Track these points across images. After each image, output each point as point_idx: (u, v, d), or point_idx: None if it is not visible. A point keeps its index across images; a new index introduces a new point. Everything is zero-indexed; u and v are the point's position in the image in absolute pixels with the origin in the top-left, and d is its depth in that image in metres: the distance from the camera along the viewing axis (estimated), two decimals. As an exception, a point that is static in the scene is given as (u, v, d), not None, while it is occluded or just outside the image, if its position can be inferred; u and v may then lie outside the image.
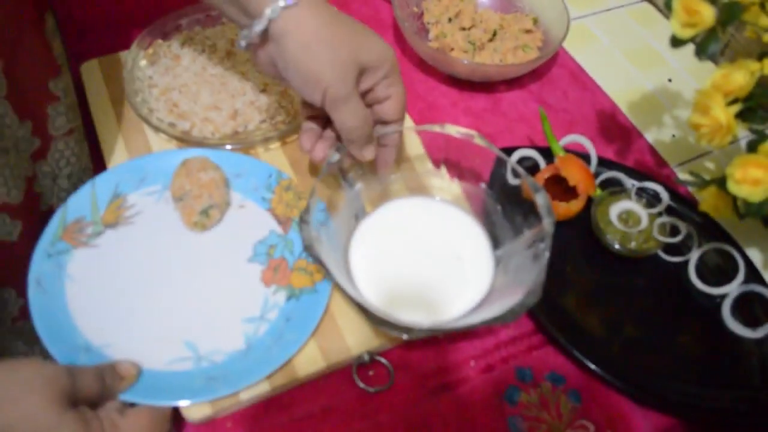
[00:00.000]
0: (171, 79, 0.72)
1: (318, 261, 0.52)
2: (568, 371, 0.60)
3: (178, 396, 0.52)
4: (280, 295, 0.59)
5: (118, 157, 0.68)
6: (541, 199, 0.56)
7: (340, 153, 0.59)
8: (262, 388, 0.54)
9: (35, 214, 0.61)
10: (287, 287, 0.59)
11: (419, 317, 0.58)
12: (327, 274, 0.52)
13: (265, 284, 0.60)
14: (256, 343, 0.56)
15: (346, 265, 0.60)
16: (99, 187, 0.62)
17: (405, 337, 0.56)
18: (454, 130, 0.62)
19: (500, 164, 0.61)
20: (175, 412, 0.53)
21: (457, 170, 0.64)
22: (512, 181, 0.61)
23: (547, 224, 0.54)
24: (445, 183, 0.65)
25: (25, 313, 0.61)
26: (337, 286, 0.53)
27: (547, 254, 0.53)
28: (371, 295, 0.58)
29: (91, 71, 0.74)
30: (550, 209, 0.55)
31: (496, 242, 0.62)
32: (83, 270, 0.58)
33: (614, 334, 0.63)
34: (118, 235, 0.61)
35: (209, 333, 0.56)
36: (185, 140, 0.67)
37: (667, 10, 0.58)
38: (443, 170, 0.65)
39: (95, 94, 0.72)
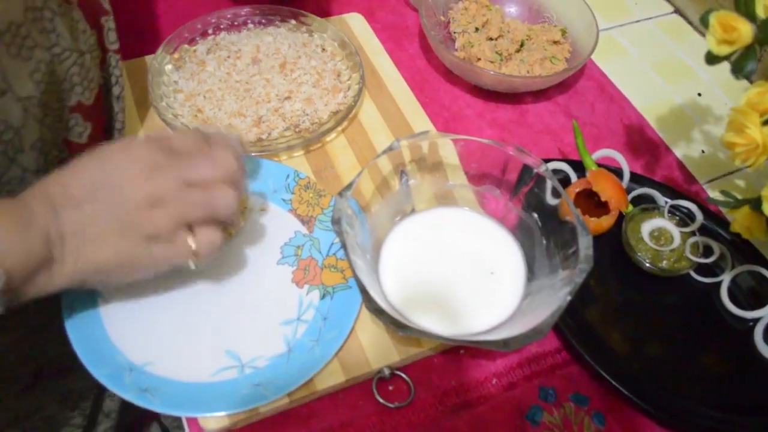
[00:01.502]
0: (196, 85, 0.71)
1: (341, 238, 0.52)
2: (592, 392, 0.58)
3: (228, 406, 0.51)
4: (313, 295, 0.59)
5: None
6: (583, 244, 0.54)
7: (400, 144, 0.59)
8: (281, 400, 0.53)
9: (101, 121, 0.61)
10: (320, 286, 0.59)
11: (438, 326, 0.56)
12: (348, 259, 0.52)
13: (297, 285, 0.59)
14: (296, 346, 0.55)
15: (376, 262, 0.60)
16: None
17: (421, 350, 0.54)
18: (489, 141, 0.61)
19: (540, 182, 0.60)
20: (192, 423, 0.53)
21: (495, 183, 0.63)
22: (550, 200, 0.59)
23: (581, 271, 0.53)
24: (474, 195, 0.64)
25: None
26: (354, 276, 0.52)
27: (568, 299, 0.52)
28: (394, 296, 0.57)
29: (116, 75, 0.74)
30: (589, 257, 0.54)
31: (531, 272, 0.61)
32: (115, 288, 0.57)
33: (641, 355, 0.61)
34: None
35: (249, 340, 0.56)
36: (208, 146, 0.66)
37: (702, 26, 0.57)
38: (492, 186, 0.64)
39: (119, 97, 0.72)
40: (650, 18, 0.97)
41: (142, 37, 0.81)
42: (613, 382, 0.57)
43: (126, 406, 0.73)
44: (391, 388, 0.57)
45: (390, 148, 0.60)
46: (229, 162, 0.50)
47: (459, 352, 0.59)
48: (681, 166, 0.78)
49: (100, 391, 0.70)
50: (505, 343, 0.51)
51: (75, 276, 0.46)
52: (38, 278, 0.44)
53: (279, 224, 0.63)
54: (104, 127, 0.62)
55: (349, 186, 0.56)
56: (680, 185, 0.76)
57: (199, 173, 0.49)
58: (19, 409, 0.63)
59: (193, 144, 0.51)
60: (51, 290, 0.45)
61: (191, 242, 0.49)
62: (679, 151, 0.80)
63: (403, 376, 0.57)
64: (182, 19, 0.77)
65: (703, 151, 0.81)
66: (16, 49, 0.47)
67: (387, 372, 0.56)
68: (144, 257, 0.48)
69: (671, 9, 0.99)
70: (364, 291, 0.51)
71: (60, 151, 0.56)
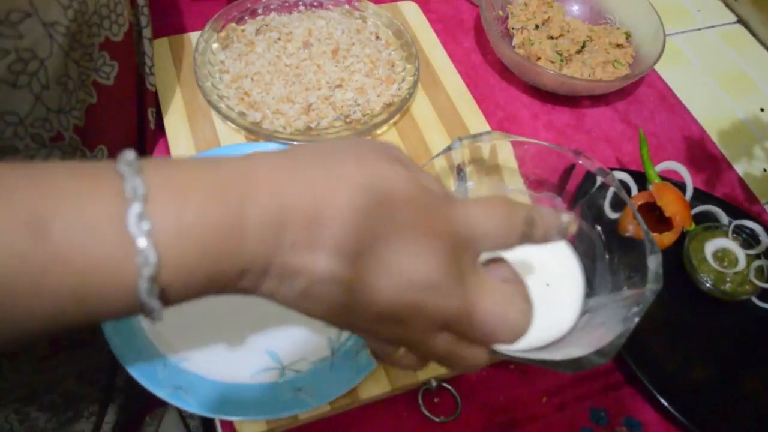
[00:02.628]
0: (243, 66, 0.68)
1: None
2: (646, 418, 0.56)
3: (267, 411, 0.48)
4: None
5: (182, 142, 0.64)
6: (653, 263, 0.51)
7: (461, 143, 0.55)
8: (321, 408, 0.50)
9: (129, 61, 0.58)
10: None
11: None
12: None
13: None
14: (341, 350, 0.52)
15: None
16: None
17: None
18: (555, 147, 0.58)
19: (603, 193, 0.56)
20: (225, 425, 0.50)
21: (555, 190, 0.60)
22: (610, 213, 0.56)
23: (650, 292, 0.49)
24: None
25: None
26: None
27: (636, 320, 0.48)
28: None
29: (161, 50, 0.71)
30: (659, 276, 0.50)
31: (591, 287, 0.57)
32: None
33: (697, 381, 0.58)
34: None
35: (291, 341, 0.53)
36: (255, 132, 0.63)
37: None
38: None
39: (164, 73, 0.69)
40: (712, 26, 0.93)
41: (188, 12, 0.78)
42: (669, 407, 0.54)
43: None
44: (436, 400, 0.54)
45: (450, 148, 0.56)
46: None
47: (509, 367, 0.56)
48: (742, 183, 0.74)
49: (115, 365, 0.67)
50: (566, 364, 0.47)
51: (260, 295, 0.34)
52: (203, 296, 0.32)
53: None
54: (132, 68, 0.59)
55: None
56: (741, 204, 0.72)
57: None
58: (37, 383, 0.60)
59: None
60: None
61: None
62: (740, 168, 0.76)
63: (450, 388, 0.54)
64: (231, -4, 0.74)
65: (765, 170, 0.77)
66: None
67: (434, 384, 0.53)
68: (354, 328, 0.35)
69: (734, 18, 0.95)
70: None
71: (87, 94, 0.53)
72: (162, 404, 0.83)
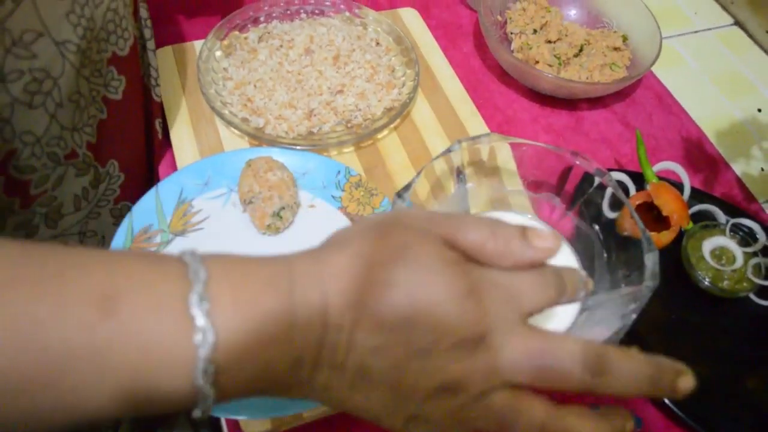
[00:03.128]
0: (246, 73, 0.69)
1: None
2: (646, 413, 0.56)
3: (272, 409, 0.49)
4: None
5: (186, 148, 0.66)
6: (650, 261, 0.52)
7: (461, 146, 0.57)
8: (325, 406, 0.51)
9: (136, 75, 0.59)
10: None
11: None
12: None
13: None
14: None
15: None
16: (163, 194, 0.60)
17: None
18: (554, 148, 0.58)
19: (601, 192, 0.57)
20: (231, 425, 0.51)
21: (553, 191, 0.61)
22: (608, 212, 0.57)
23: (647, 289, 0.50)
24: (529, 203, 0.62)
25: (124, 194, 0.60)
26: None
27: (633, 317, 0.49)
28: None
29: (165, 59, 0.72)
30: (656, 274, 0.51)
31: None
32: None
33: (698, 377, 0.58)
34: (188, 242, 0.58)
35: None
36: (258, 137, 0.65)
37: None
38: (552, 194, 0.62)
39: (168, 82, 0.70)
40: (710, 29, 0.94)
41: (192, 21, 0.79)
42: (668, 403, 0.55)
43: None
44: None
45: (449, 150, 0.57)
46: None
47: (509, 365, 0.57)
48: (740, 183, 0.75)
49: None
50: None
51: (305, 398, 0.34)
52: (256, 394, 0.32)
53: (328, 222, 0.61)
54: (139, 81, 0.60)
55: (408, 187, 0.54)
56: (739, 203, 0.73)
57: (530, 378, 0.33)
58: None
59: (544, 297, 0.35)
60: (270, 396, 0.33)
61: None
62: (738, 168, 0.77)
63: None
64: (233, 5, 0.76)
65: (762, 169, 0.78)
66: None
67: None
68: (394, 429, 0.34)
69: (731, 20, 0.96)
70: None
71: (98, 110, 0.54)
72: (173, 414, 0.84)
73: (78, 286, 0.27)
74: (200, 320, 0.28)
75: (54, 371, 0.26)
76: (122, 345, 0.27)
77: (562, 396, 0.55)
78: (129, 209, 0.58)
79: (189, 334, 0.28)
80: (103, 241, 0.60)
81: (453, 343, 0.31)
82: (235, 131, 0.66)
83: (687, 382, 0.37)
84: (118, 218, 0.61)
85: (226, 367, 0.29)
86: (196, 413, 0.30)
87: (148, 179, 0.68)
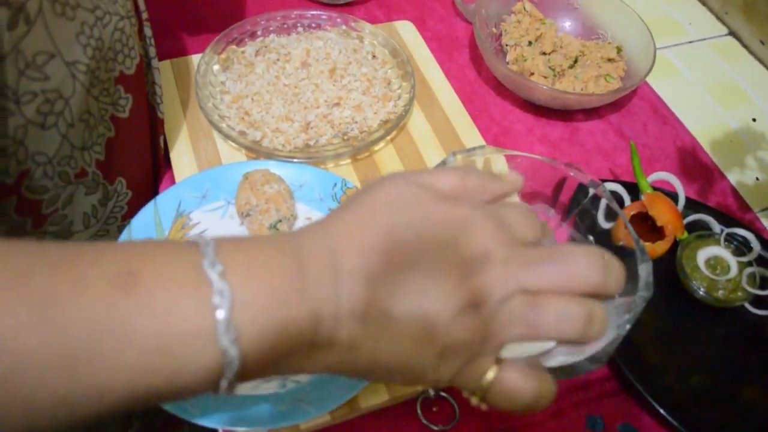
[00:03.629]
0: (244, 87, 0.70)
1: None
2: (642, 424, 0.56)
3: (267, 421, 0.49)
4: None
5: (185, 161, 0.66)
6: (644, 271, 0.52)
7: (455, 158, 0.57)
8: (322, 417, 0.51)
9: (142, 93, 0.60)
10: None
11: None
12: None
13: None
14: None
15: None
16: (161, 206, 0.60)
17: None
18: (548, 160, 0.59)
19: (595, 204, 0.58)
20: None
21: (548, 202, 0.61)
22: (603, 223, 0.57)
23: (640, 299, 0.51)
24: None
25: (132, 211, 0.60)
26: None
27: (628, 327, 0.49)
28: None
29: (163, 73, 0.73)
30: (650, 284, 0.51)
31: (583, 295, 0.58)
32: None
33: (693, 386, 0.59)
34: None
35: None
36: (255, 150, 0.65)
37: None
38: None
39: (166, 96, 0.71)
40: (704, 39, 0.95)
41: (190, 35, 0.80)
42: (664, 413, 0.55)
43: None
44: (435, 409, 0.55)
45: (444, 162, 0.58)
46: (591, 273, 0.37)
47: (506, 376, 0.57)
48: (735, 192, 0.76)
49: None
50: (560, 371, 0.48)
51: (332, 370, 0.33)
52: (281, 361, 0.31)
53: (325, 233, 0.61)
54: (144, 99, 0.61)
55: None
56: (734, 212, 0.74)
57: (547, 281, 0.35)
58: None
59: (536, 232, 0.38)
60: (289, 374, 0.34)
61: (491, 374, 0.36)
62: (732, 177, 0.77)
63: (448, 397, 0.55)
64: (230, 19, 0.76)
65: (757, 179, 0.78)
66: (60, 7, 0.45)
67: (432, 393, 0.54)
68: (426, 373, 0.34)
69: (726, 31, 0.97)
70: None
71: (106, 129, 0.55)
72: (177, 427, 0.84)
73: (96, 267, 0.28)
74: (216, 282, 0.28)
75: (78, 350, 0.26)
76: (144, 318, 0.27)
77: (557, 406, 0.56)
78: None
79: (207, 298, 0.28)
80: None
81: (465, 259, 0.33)
82: (233, 144, 0.67)
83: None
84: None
85: (247, 326, 0.29)
86: (223, 384, 0.29)
87: (155, 195, 0.68)
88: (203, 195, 0.62)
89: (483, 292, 0.33)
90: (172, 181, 0.65)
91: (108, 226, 0.59)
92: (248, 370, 0.30)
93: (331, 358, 0.32)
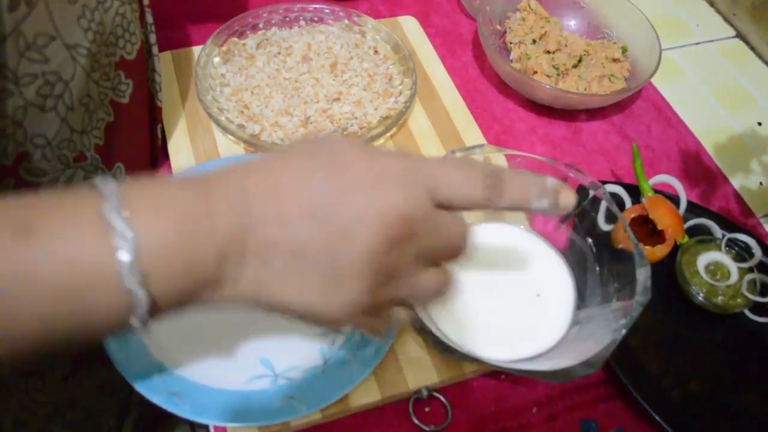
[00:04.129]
0: (244, 80, 0.69)
1: None
2: (637, 430, 0.56)
3: (259, 417, 0.49)
4: None
5: (182, 153, 0.66)
6: (642, 276, 0.52)
7: (455, 155, 0.57)
8: (313, 415, 0.51)
9: (142, 79, 0.60)
10: None
11: (480, 349, 0.54)
12: None
13: None
14: (333, 359, 0.53)
15: None
16: None
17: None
18: (546, 159, 0.58)
19: (595, 205, 0.57)
20: None
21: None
22: (603, 225, 0.56)
23: (637, 304, 0.50)
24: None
25: None
26: None
27: (623, 332, 0.49)
28: (436, 313, 0.55)
29: (164, 63, 0.72)
30: (647, 288, 0.51)
31: (581, 299, 0.58)
32: None
33: (689, 393, 0.58)
34: None
35: (284, 349, 0.54)
36: (253, 144, 0.65)
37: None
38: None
39: (166, 86, 0.70)
40: (711, 41, 0.94)
41: (190, 27, 0.79)
42: (659, 420, 0.54)
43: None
44: (427, 410, 0.54)
45: None
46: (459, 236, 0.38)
47: (500, 377, 0.57)
48: (738, 197, 0.75)
49: None
50: (554, 375, 0.48)
51: (236, 301, 0.35)
52: (189, 298, 0.33)
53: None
54: (144, 85, 0.61)
55: None
56: (736, 218, 0.73)
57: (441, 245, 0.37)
58: (59, 400, 0.62)
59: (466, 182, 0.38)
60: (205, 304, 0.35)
61: (395, 318, 0.40)
62: (736, 182, 0.76)
63: (441, 398, 0.55)
64: (232, 12, 0.76)
65: (761, 183, 0.77)
66: None
67: (425, 393, 0.54)
68: (332, 316, 0.36)
69: (733, 33, 0.95)
70: (410, 309, 0.49)
71: (106, 113, 0.54)
72: (174, 417, 0.84)
73: None
74: (118, 224, 0.29)
75: None
76: (50, 264, 0.28)
77: (551, 409, 0.55)
78: None
79: (110, 242, 0.29)
80: None
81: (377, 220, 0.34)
82: (231, 138, 0.66)
83: (568, 197, 0.40)
84: None
85: (152, 266, 0.30)
86: (135, 322, 0.31)
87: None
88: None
89: (407, 217, 0.35)
90: (168, 173, 0.64)
91: None
92: (159, 308, 0.31)
93: (236, 294, 0.34)
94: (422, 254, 0.37)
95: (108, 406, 0.66)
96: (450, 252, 0.39)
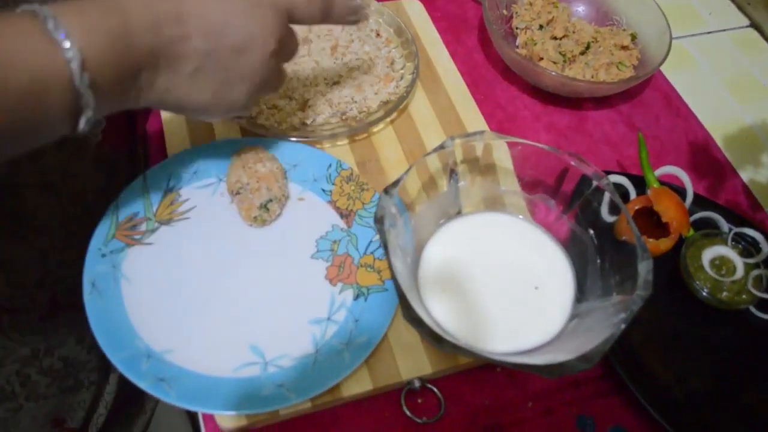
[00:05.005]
0: (242, 61, 0.68)
1: (382, 238, 0.49)
2: (635, 428, 0.54)
3: (248, 405, 0.48)
4: (347, 294, 0.55)
5: (177, 135, 0.64)
6: (643, 269, 0.50)
7: (453, 143, 0.55)
8: (303, 404, 0.50)
9: None
10: (354, 286, 0.56)
11: (476, 341, 0.52)
12: (388, 261, 0.48)
13: (330, 282, 0.56)
14: (324, 347, 0.52)
15: (416, 265, 0.56)
16: (151, 182, 0.58)
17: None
18: (549, 148, 0.57)
19: (598, 196, 0.55)
20: (208, 419, 0.50)
21: (549, 192, 0.59)
22: (607, 217, 0.55)
23: (638, 298, 0.49)
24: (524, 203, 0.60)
25: (107, 139, 0.61)
26: (393, 281, 0.48)
27: (623, 326, 0.47)
28: (432, 302, 0.53)
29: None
30: (649, 282, 0.49)
31: (581, 292, 0.56)
32: (139, 270, 0.54)
33: (690, 390, 0.57)
34: (173, 231, 0.57)
35: (275, 336, 0.52)
36: (249, 126, 0.63)
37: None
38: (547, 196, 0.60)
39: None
40: (724, 30, 0.92)
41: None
42: (658, 418, 0.53)
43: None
44: (420, 401, 0.53)
45: (442, 147, 0.56)
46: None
47: (496, 370, 0.56)
48: (747, 190, 0.73)
49: None
50: (550, 369, 0.47)
51: (150, 104, 0.45)
52: (119, 102, 0.42)
53: (316, 216, 0.59)
54: None
55: (396, 183, 0.52)
56: (744, 211, 0.71)
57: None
58: (37, 342, 0.61)
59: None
60: (124, 108, 0.44)
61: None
62: (745, 175, 0.75)
63: (434, 389, 0.53)
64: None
65: (771, 177, 0.75)
66: None
67: (417, 384, 0.53)
68: (219, 112, 0.49)
69: (747, 22, 0.93)
70: (403, 298, 0.47)
71: None
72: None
73: None
74: (65, 42, 0.36)
75: None
76: (8, 73, 0.34)
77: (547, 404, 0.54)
78: (110, 156, 0.56)
79: (56, 48, 0.36)
80: (84, 186, 0.59)
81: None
82: (227, 120, 0.65)
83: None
84: (99, 162, 0.60)
85: (95, 74, 0.38)
86: (82, 122, 0.39)
87: (128, 127, 0.68)
88: (194, 171, 0.60)
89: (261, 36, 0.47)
90: (162, 154, 0.63)
91: (82, 152, 0.59)
92: (101, 107, 0.39)
93: (153, 98, 0.44)
94: (281, 61, 0.51)
95: (88, 358, 0.65)
96: (290, 57, 0.53)
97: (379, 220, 0.50)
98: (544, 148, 0.57)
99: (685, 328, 0.60)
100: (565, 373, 0.47)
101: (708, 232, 0.62)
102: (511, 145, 0.58)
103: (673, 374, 0.57)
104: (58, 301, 0.61)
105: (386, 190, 0.52)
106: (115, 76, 0.40)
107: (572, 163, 0.56)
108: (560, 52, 0.75)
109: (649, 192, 0.63)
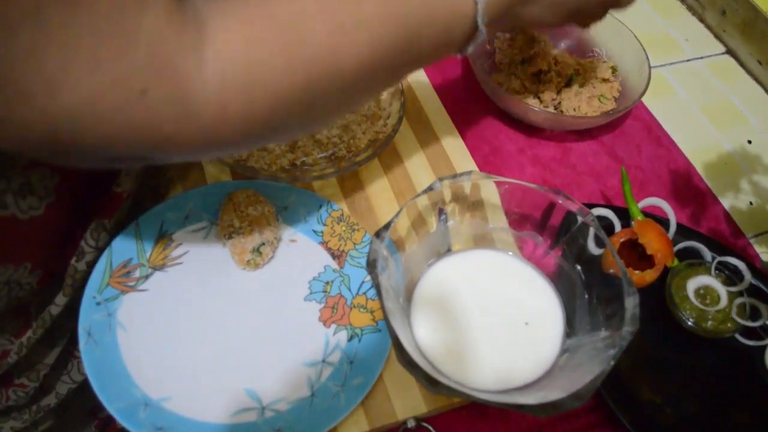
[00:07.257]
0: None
1: (375, 282, 0.49)
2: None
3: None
4: (341, 336, 0.56)
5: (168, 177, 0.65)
6: (630, 305, 0.51)
7: (441, 184, 0.56)
8: (300, 448, 0.50)
9: None
10: (348, 327, 0.56)
11: (468, 378, 0.53)
12: (381, 304, 0.49)
13: (324, 324, 0.56)
14: (320, 390, 0.53)
15: (408, 304, 0.56)
16: (143, 227, 0.59)
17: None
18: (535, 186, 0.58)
19: (583, 231, 0.57)
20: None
21: (536, 229, 0.60)
22: (593, 249, 0.56)
23: (627, 333, 0.50)
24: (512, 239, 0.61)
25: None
26: (387, 323, 0.48)
27: (612, 363, 0.48)
28: (425, 341, 0.54)
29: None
30: (636, 317, 0.50)
31: (570, 326, 0.57)
32: (134, 317, 0.55)
33: (680, 419, 0.57)
34: (167, 277, 0.57)
35: (270, 380, 0.53)
36: (239, 169, 0.64)
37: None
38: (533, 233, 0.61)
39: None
40: (701, 58, 0.94)
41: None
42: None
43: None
44: (415, 440, 0.54)
45: (431, 188, 0.57)
46: None
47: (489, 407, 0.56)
48: (728, 217, 0.75)
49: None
50: (543, 408, 0.47)
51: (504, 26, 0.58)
52: (494, 26, 0.51)
53: (308, 257, 0.60)
54: None
55: (387, 226, 0.53)
56: (726, 238, 0.73)
57: None
58: None
59: None
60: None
61: None
62: (726, 202, 0.76)
63: (429, 428, 0.54)
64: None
65: (751, 203, 0.77)
66: None
67: (413, 423, 0.53)
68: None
69: (723, 49, 0.96)
70: (396, 342, 0.48)
71: None
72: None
73: None
74: None
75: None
76: (435, 9, 0.45)
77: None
78: None
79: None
80: None
81: None
82: (218, 163, 0.66)
83: None
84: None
85: (490, 12, 0.47)
86: (470, 49, 0.50)
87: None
88: (186, 215, 0.61)
89: None
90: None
91: None
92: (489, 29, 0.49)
93: (529, 15, 0.54)
94: None
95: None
96: None
97: (371, 264, 0.51)
98: (530, 186, 0.58)
99: (673, 357, 0.62)
100: (558, 411, 0.48)
101: (692, 261, 0.64)
102: (498, 183, 0.59)
103: (662, 403, 0.58)
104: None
105: (377, 234, 0.52)
106: (499, 13, 0.49)
107: (558, 201, 0.58)
108: (543, 87, 0.76)
109: (633, 224, 0.64)
